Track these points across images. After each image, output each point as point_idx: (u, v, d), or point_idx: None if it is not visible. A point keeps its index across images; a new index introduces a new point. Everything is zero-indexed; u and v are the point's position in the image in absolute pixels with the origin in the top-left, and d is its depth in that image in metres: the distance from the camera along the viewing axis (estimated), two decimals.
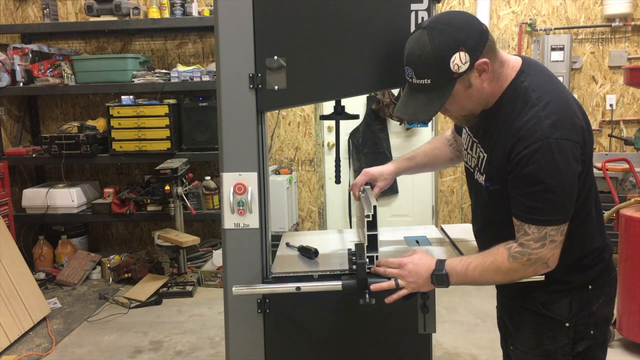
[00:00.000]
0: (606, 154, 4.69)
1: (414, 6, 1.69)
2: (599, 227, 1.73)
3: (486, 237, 1.76)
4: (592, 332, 1.70)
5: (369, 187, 2.03)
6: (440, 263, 1.65)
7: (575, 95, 4.97)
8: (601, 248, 1.71)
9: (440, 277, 1.63)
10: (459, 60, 1.50)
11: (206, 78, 4.74)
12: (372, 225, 1.75)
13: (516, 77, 1.61)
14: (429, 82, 1.53)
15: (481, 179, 1.71)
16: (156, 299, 4.39)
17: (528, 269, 1.57)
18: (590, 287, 1.69)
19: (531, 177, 1.51)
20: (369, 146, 5.22)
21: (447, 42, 1.49)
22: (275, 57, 1.72)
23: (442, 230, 2.21)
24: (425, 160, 2.09)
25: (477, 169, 1.74)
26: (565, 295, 1.68)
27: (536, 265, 1.57)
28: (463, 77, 1.53)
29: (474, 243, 1.91)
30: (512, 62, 1.63)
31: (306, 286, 1.74)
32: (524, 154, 1.51)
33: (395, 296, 1.68)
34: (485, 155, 1.67)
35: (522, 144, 1.52)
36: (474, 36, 1.52)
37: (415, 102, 1.58)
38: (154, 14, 4.81)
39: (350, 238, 2.17)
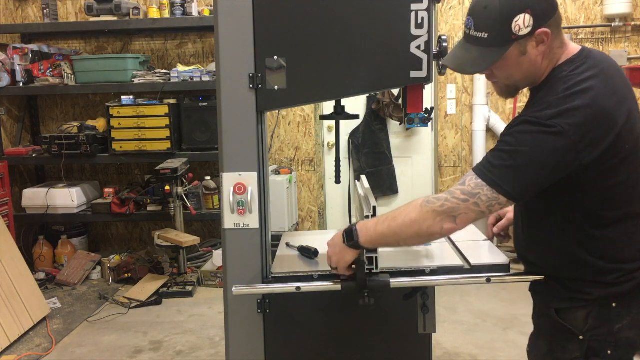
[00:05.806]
0: None
1: (414, 6, 1.68)
2: (634, 244, 1.57)
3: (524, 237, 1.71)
4: (609, 352, 1.56)
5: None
6: (353, 224, 1.65)
7: None
8: (632, 268, 1.56)
9: (349, 232, 1.62)
10: (522, 22, 1.47)
11: (206, 78, 4.74)
12: None
13: (563, 63, 1.55)
14: (486, 36, 1.50)
15: None
16: (156, 299, 4.39)
17: (436, 219, 1.50)
18: (614, 305, 1.55)
19: (509, 137, 1.48)
20: (369, 146, 5.22)
21: (516, 1, 1.47)
22: (275, 57, 1.72)
23: None
24: None
25: None
26: (583, 307, 1.57)
27: (444, 216, 1.49)
28: (520, 42, 1.50)
29: (474, 243, 1.91)
30: (570, 48, 1.57)
31: (306, 286, 1.74)
32: (518, 120, 1.49)
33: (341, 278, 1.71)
34: None
35: (523, 114, 1.50)
36: (543, 3, 1.49)
37: (467, 54, 1.55)
38: (154, 14, 4.81)
39: None
